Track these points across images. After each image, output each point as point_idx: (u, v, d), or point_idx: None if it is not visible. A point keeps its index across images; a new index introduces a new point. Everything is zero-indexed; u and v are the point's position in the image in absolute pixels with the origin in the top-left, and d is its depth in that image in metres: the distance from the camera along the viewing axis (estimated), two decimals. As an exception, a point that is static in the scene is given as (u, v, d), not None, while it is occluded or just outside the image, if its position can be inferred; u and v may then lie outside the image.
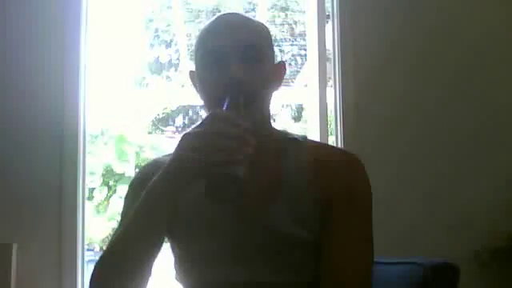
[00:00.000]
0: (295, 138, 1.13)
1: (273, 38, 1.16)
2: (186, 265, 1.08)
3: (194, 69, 1.12)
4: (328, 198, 1.04)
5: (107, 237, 6.17)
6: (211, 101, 1.05)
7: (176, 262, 1.12)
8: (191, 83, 1.14)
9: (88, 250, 2.34)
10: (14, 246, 2.12)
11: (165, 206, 0.95)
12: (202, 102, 1.10)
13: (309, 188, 1.05)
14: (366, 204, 1.07)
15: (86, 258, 2.36)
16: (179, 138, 0.94)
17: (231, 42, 1.04)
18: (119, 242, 0.98)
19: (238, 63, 1.02)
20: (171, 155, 0.95)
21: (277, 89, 1.12)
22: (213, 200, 0.91)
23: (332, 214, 1.04)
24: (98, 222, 5.59)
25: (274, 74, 1.11)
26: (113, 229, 6.22)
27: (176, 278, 1.12)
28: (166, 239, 1.10)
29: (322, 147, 1.25)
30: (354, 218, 1.05)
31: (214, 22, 1.10)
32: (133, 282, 0.96)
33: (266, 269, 1.03)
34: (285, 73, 1.14)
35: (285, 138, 1.13)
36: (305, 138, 1.15)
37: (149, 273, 0.98)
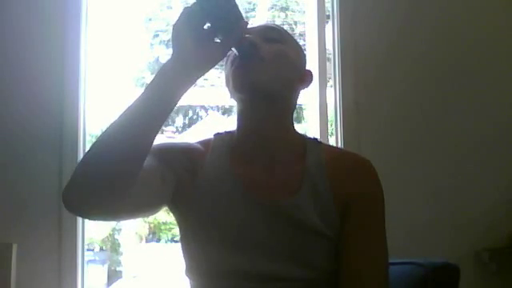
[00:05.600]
0: (315, 139, 1.17)
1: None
2: (204, 253, 1.07)
3: None
4: (345, 200, 1.07)
5: (107, 237, 6.17)
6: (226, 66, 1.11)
7: (190, 250, 1.10)
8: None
9: (88, 250, 2.34)
10: (14, 246, 2.12)
11: (177, 79, 0.92)
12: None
13: (328, 186, 1.08)
14: (381, 206, 1.10)
15: (86, 258, 2.36)
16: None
17: (257, 27, 1.11)
18: (122, 115, 0.91)
19: (259, 39, 1.07)
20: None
21: (302, 88, 1.15)
22: (212, 19, 0.92)
23: (349, 215, 1.06)
24: (98, 222, 5.59)
25: (301, 75, 1.14)
26: (112, 229, 6.22)
27: (186, 273, 1.11)
28: (179, 231, 1.11)
29: (336, 150, 1.34)
30: (371, 221, 1.08)
31: None
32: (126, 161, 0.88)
33: (286, 262, 1.03)
34: (311, 81, 1.16)
35: (304, 138, 1.16)
36: (319, 140, 1.19)
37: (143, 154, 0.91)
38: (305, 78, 1.15)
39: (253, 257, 1.03)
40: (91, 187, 0.86)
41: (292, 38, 1.15)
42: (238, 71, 1.05)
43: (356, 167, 1.11)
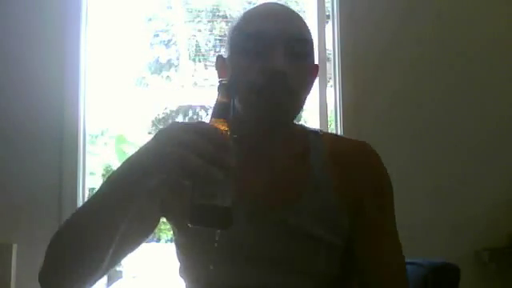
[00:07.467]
0: (315, 131, 1.10)
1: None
2: (200, 263, 1.02)
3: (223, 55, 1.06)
4: (356, 195, 1.02)
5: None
6: (242, 85, 0.94)
7: (185, 259, 1.07)
8: (216, 70, 1.06)
9: (88, 250, 2.34)
10: (14, 246, 2.12)
11: (125, 205, 0.84)
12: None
13: (335, 185, 1.02)
14: (392, 197, 1.08)
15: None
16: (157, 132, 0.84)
17: (278, 30, 0.96)
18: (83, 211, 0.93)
19: (284, 54, 0.95)
20: (144, 145, 0.85)
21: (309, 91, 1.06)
22: (199, 225, 0.80)
23: (362, 209, 1.02)
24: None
25: (312, 76, 1.04)
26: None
27: (180, 275, 1.09)
28: (173, 234, 1.10)
29: (338, 140, 1.19)
30: (385, 212, 1.06)
31: (257, 7, 1.02)
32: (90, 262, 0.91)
33: (286, 273, 0.98)
34: (316, 76, 1.07)
35: (305, 131, 1.09)
36: (321, 130, 1.12)
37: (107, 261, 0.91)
38: (314, 78, 1.06)
39: (248, 269, 0.98)
40: (66, 275, 0.94)
41: (311, 38, 1.03)
42: (265, 105, 0.95)
43: (363, 158, 1.07)
